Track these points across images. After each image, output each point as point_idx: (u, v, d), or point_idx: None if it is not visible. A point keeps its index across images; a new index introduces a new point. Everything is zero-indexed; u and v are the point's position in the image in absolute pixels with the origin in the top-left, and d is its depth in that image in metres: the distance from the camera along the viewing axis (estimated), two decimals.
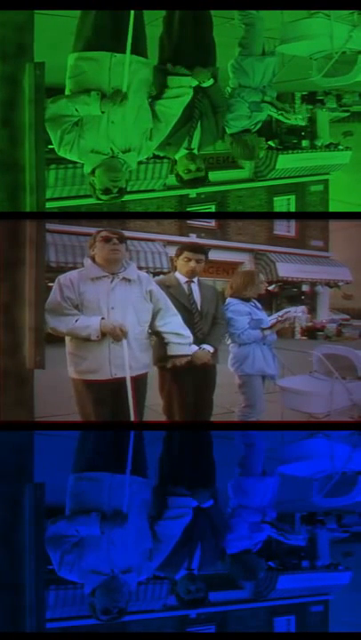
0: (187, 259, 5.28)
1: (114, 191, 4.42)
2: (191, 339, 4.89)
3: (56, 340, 4.67)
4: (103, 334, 4.47)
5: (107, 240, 4.64)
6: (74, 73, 4.38)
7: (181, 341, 4.79)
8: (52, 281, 4.61)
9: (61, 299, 4.58)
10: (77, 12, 4.53)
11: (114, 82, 4.28)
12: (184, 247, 5.37)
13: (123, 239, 4.68)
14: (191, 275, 5.30)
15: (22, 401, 4.61)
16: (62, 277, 4.66)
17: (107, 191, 4.40)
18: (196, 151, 4.85)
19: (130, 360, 4.50)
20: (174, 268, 5.41)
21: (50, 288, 4.62)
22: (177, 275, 5.33)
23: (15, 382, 4.60)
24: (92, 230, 4.80)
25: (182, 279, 5.30)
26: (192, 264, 5.27)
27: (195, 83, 4.62)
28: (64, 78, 4.53)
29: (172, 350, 4.77)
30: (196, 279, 5.34)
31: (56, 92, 4.51)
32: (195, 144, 4.82)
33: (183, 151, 4.83)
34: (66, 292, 4.59)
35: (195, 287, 5.31)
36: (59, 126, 4.30)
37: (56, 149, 4.42)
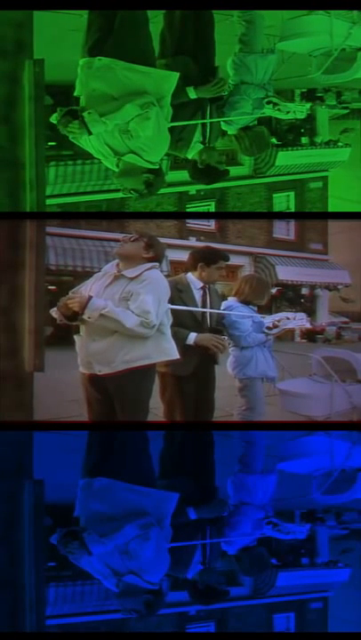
0: (220, 268, 5.20)
1: (124, 193, 4.46)
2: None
3: (55, 342, 4.66)
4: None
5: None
6: None
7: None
8: (52, 284, 4.61)
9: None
10: (77, 10, 4.53)
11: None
12: (218, 256, 5.26)
13: (137, 239, 4.59)
14: (213, 282, 5.25)
15: (21, 403, 4.62)
16: None
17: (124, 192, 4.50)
18: (213, 144, 4.84)
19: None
20: (185, 270, 5.29)
21: (49, 291, 4.60)
22: (191, 278, 5.20)
23: (14, 385, 4.60)
24: (92, 233, 4.81)
25: (197, 284, 5.19)
26: (223, 273, 5.24)
27: (193, 95, 4.64)
28: (63, 75, 4.53)
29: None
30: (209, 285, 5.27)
31: (55, 89, 4.51)
32: (208, 137, 4.81)
33: (199, 145, 4.82)
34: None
35: (208, 293, 5.22)
36: None
37: None
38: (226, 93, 4.83)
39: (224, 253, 5.38)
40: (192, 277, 5.21)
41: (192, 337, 4.99)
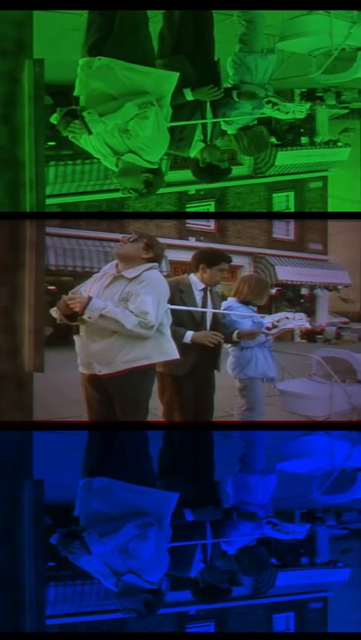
0: (221, 269, 5.18)
1: (124, 192, 4.47)
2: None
3: (55, 342, 4.65)
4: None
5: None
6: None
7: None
8: (52, 284, 4.60)
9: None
10: (77, 10, 4.54)
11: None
12: (220, 257, 5.24)
13: (136, 240, 4.56)
14: (215, 284, 5.24)
15: (21, 403, 4.62)
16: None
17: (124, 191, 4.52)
18: (215, 143, 4.84)
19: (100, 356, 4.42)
20: (188, 271, 5.26)
21: (49, 291, 4.59)
22: (193, 279, 5.18)
23: (14, 385, 4.60)
24: (91, 234, 4.81)
25: (199, 285, 5.16)
26: (225, 274, 5.23)
27: (190, 97, 4.63)
28: (63, 75, 4.54)
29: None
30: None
31: (55, 89, 4.53)
32: (209, 136, 4.81)
33: (201, 144, 4.81)
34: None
35: (209, 295, 5.19)
36: None
37: None
38: (222, 97, 4.82)
39: (226, 255, 5.36)
40: (194, 278, 5.19)
41: (189, 335, 4.98)
